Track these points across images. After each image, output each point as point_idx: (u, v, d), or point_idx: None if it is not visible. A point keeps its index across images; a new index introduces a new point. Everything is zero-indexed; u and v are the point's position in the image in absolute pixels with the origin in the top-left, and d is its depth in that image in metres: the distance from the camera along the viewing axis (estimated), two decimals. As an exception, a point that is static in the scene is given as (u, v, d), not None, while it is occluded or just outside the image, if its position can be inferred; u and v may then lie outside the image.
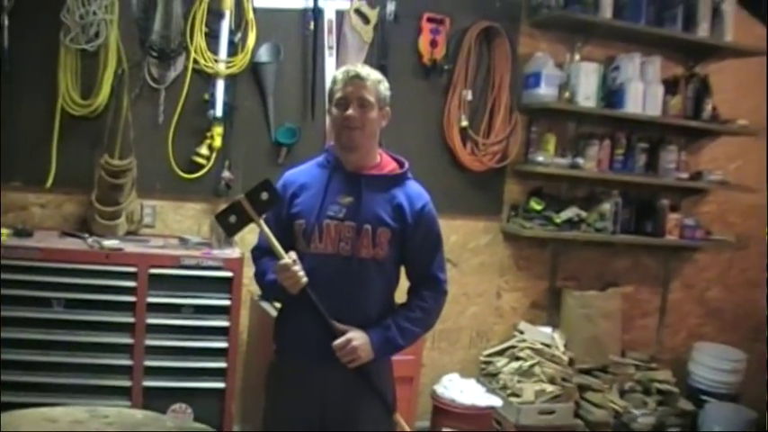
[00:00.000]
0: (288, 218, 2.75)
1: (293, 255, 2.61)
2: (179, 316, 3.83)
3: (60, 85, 4.04)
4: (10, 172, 4.10)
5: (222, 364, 3.88)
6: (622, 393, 5.06)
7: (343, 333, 2.63)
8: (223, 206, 2.82)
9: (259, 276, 2.84)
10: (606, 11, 4.93)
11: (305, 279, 2.59)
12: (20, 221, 4.08)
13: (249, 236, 3.32)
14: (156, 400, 3.68)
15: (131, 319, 3.74)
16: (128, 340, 3.75)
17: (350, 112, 2.66)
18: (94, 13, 3.95)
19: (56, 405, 2.67)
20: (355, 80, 2.68)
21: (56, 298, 3.68)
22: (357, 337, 2.64)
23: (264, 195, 2.63)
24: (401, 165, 2.85)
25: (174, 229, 4.39)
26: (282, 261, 2.58)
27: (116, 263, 3.73)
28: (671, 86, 5.24)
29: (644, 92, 5.08)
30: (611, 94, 5.09)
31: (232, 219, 2.65)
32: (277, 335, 2.88)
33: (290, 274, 2.57)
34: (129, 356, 3.76)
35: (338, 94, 2.71)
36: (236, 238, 3.39)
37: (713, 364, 5.43)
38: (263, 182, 2.66)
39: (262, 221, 2.64)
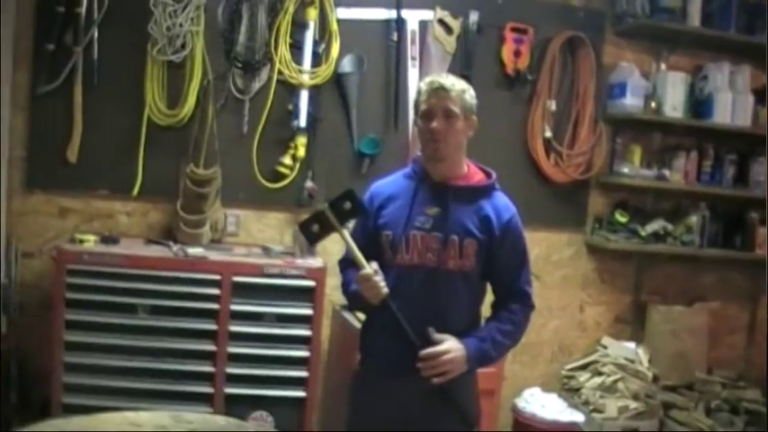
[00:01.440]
0: (375, 229, 2.74)
1: (374, 265, 2.59)
2: (261, 324, 3.87)
3: (147, 95, 4.13)
4: (97, 180, 4.21)
5: (303, 374, 3.90)
6: (708, 412, 4.90)
7: (438, 342, 2.58)
8: (305, 216, 2.83)
9: (344, 287, 2.85)
10: (694, 19, 4.82)
11: (386, 290, 2.57)
12: (106, 229, 4.17)
13: (332, 246, 3.32)
14: (237, 408, 3.72)
15: (214, 327, 3.79)
16: (210, 347, 3.80)
17: (434, 124, 2.64)
18: (181, 25, 4.03)
19: (139, 410, 2.72)
20: (440, 92, 2.65)
21: (141, 304, 3.75)
22: (454, 350, 2.58)
23: (348, 205, 2.64)
24: (488, 175, 2.81)
25: (257, 238, 4.43)
26: (363, 271, 2.57)
27: (200, 270, 3.79)
28: (761, 96, 5.09)
29: (733, 102, 4.95)
30: (699, 104, 4.97)
31: (315, 228, 2.66)
32: (361, 345, 2.87)
33: (372, 284, 2.56)
34: (212, 364, 3.80)
35: (423, 106, 2.68)
36: (319, 247, 3.41)
37: (805, 384, 5.24)
38: (347, 192, 2.66)
39: (344, 231, 2.64)
